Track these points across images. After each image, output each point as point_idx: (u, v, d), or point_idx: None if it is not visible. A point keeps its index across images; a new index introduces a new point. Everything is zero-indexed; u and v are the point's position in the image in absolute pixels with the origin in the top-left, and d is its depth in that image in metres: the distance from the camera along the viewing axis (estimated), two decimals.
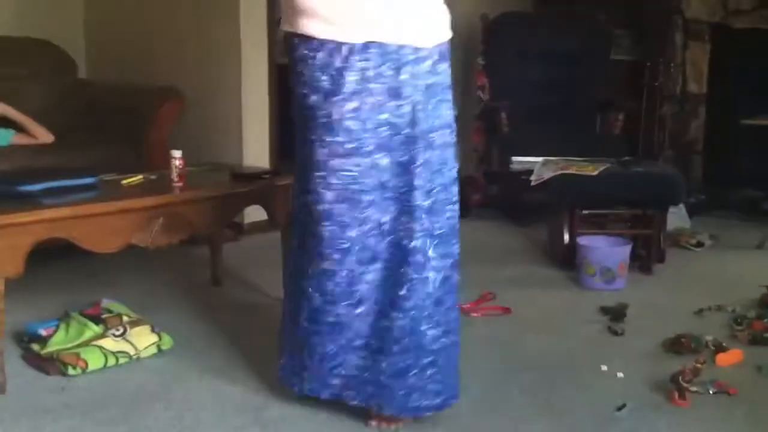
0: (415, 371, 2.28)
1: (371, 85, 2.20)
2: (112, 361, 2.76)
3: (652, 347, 3.03)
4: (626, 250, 3.78)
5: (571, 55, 5.37)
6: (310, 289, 2.30)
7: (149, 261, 3.91)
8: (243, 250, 4.23)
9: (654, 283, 3.87)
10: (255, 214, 4.15)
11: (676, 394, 2.56)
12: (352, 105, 2.19)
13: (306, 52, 2.21)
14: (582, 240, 3.85)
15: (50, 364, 2.73)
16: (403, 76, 2.23)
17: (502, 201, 5.30)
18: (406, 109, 2.24)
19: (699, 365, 2.63)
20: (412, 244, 2.25)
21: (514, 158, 4.86)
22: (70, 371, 2.68)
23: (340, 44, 2.18)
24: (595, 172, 3.93)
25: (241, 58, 4.48)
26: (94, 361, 2.73)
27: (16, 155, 3.80)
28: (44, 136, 4.12)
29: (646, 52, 5.66)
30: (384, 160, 2.23)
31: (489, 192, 5.46)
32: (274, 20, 4.48)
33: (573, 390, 2.65)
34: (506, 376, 2.74)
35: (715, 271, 4.10)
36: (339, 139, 2.20)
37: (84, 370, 2.70)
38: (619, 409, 2.49)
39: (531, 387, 2.66)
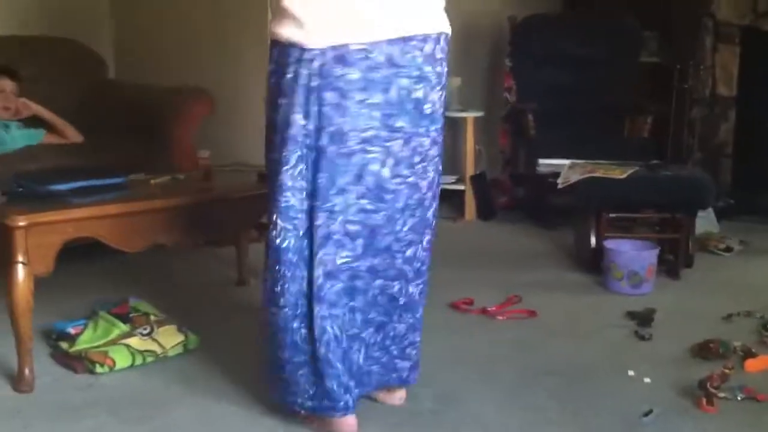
0: None
1: None
2: (139, 359, 2.78)
3: (680, 352, 3.00)
4: (654, 254, 3.75)
5: (599, 58, 5.34)
6: None
7: (176, 261, 3.94)
8: None
9: (682, 287, 3.84)
10: None
11: (704, 400, 2.53)
12: None
13: None
14: (609, 243, 3.83)
15: (78, 363, 2.75)
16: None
17: (528, 204, 5.28)
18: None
19: (727, 371, 2.61)
20: None
21: (541, 161, 4.83)
22: (98, 369, 2.70)
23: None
24: (623, 176, 3.91)
25: (267, 57, 4.48)
26: (121, 359, 2.75)
27: (46, 155, 3.84)
28: (74, 136, 4.16)
29: (675, 54, 5.61)
30: None
31: (515, 194, 5.45)
32: None
33: (599, 395, 2.63)
34: (532, 380, 2.73)
35: (744, 277, 4.06)
36: None
37: (111, 369, 2.72)
38: (646, 414, 2.47)
39: (557, 391, 2.65)
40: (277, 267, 2.23)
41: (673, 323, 3.30)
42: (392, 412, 2.47)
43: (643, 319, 3.30)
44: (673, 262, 3.99)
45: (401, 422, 2.41)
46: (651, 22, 5.56)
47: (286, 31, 2.20)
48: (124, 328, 2.89)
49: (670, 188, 3.96)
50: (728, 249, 4.45)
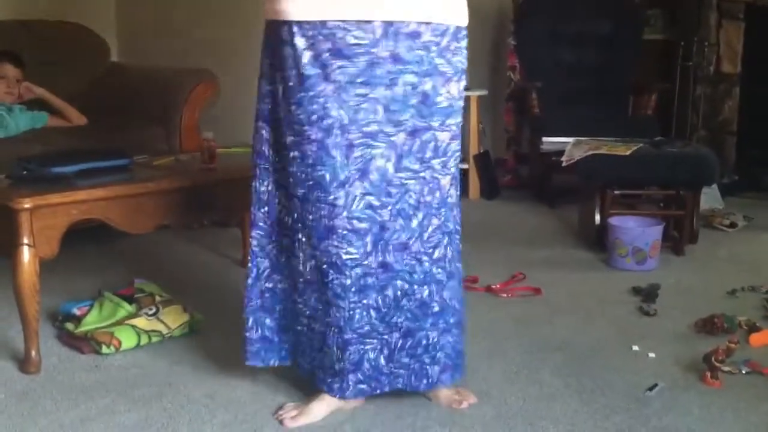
0: None
1: None
2: (145, 340, 2.80)
3: (684, 328, 3.01)
4: (658, 230, 3.75)
5: (603, 36, 5.32)
6: None
7: (181, 242, 3.95)
8: None
9: (686, 263, 3.85)
10: None
11: (709, 375, 2.54)
12: None
13: None
14: (614, 220, 3.83)
15: (84, 343, 2.77)
16: (280, 53, 2.22)
17: (532, 182, 5.29)
18: (280, 88, 2.25)
19: (732, 345, 2.61)
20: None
21: (545, 139, 4.83)
22: (104, 350, 2.72)
23: None
24: (627, 153, 3.90)
25: None
26: (127, 340, 2.76)
27: (50, 138, 3.85)
28: (78, 119, 4.17)
29: (680, 31, 5.59)
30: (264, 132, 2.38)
31: (519, 173, 5.45)
32: None
33: (604, 370, 2.64)
34: (537, 357, 2.74)
35: (748, 252, 4.06)
36: None
37: (117, 349, 2.73)
38: (651, 389, 2.48)
39: (562, 367, 2.66)
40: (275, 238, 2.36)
41: (677, 299, 3.31)
42: None
43: (648, 295, 3.30)
44: (678, 239, 3.99)
45: (403, 397, 2.41)
46: None
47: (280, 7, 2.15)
48: (129, 308, 2.91)
49: (675, 165, 3.96)
50: (732, 225, 4.45)
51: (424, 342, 2.32)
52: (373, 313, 2.26)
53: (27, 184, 2.68)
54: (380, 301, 2.26)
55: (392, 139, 2.19)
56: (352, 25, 2.10)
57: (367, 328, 2.26)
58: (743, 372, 2.60)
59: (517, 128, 5.46)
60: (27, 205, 2.49)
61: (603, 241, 3.86)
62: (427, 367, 2.34)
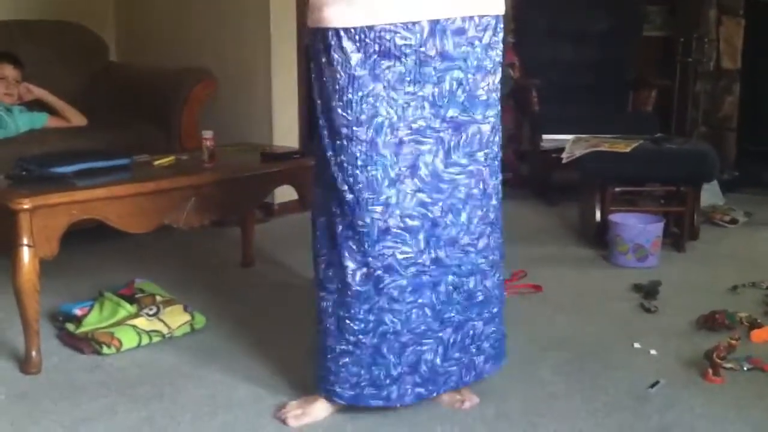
0: None
1: None
2: (145, 340, 2.79)
3: (686, 324, 3.01)
4: (659, 227, 3.74)
5: (602, 32, 5.32)
6: None
7: (181, 242, 3.95)
8: (274, 231, 4.24)
9: (687, 260, 3.84)
10: (285, 195, 4.18)
11: (710, 371, 2.54)
12: None
13: None
14: (614, 217, 3.83)
15: (85, 344, 2.76)
16: (323, 59, 2.16)
17: (532, 180, 5.28)
18: (322, 93, 2.18)
19: (733, 342, 2.61)
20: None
21: (545, 136, 4.82)
22: (105, 350, 2.71)
23: None
24: (628, 149, 3.90)
25: (271, 39, 4.48)
26: (128, 340, 2.76)
27: (50, 138, 3.84)
28: (77, 119, 4.16)
29: (679, 27, 5.59)
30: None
31: (519, 171, 5.44)
32: (303, 1, 4.47)
33: (605, 367, 2.64)
34: (538, 354, 2.74)
35: (749, 248, 4.06)
36: None
37: (118, 349, 2.73)
38: (652, 386, 2.48)
39: (563, 365, 2.66)
40: (324, 252, 2.25)
41: (678, 295, 3.30)
42: None
43: (649, 291, 3.30)
44: (679, 235, 3.99)
45: None
46: None
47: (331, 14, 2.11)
48: (130, 308, 2.90)
49: (675, 161, 3.95)
50: (733, 221, 4.45)
51: (471, 333, 2.34)
52: (428, 311, 2.26)
53: (27, 185, 2.68)
54: (434, 298, 2.26)
55: (440, 134, 2.20)
56: (400, 27, 2.10)
57: (423, 327, 2.26)
58: (745, 368, 2.60)
59: (517, 126, 5.46)
60: (27, 206, 2.49)
61: (603, 238, 3.85)
62: (474, 358, 2.36)
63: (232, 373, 2.59)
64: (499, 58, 2.25)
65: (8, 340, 2.82)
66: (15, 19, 4.48)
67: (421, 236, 2.21)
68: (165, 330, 2.84)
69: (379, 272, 2.19)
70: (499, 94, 2.30)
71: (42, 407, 2.38)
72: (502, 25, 2.25)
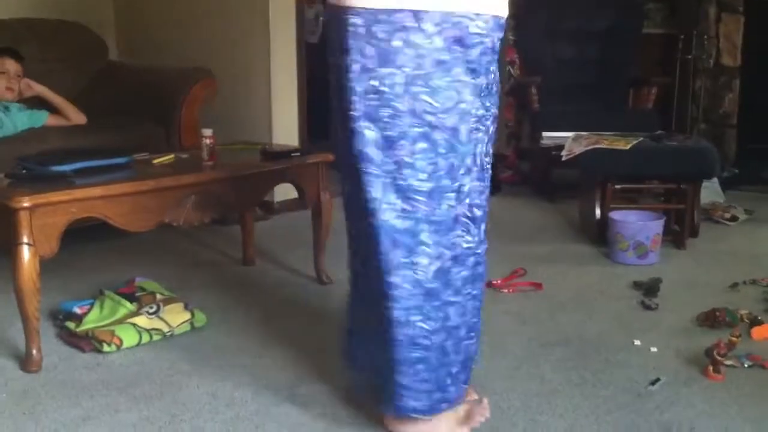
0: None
1: None
2: (146, 338, 2.79)
3: (686, 321, 3.01)
4: (659, 224, 3.74)
5: (603, 30, 5.32)
6: None
7: (181, 240, 3.95)
8: (274, 229, 4.24)
9: (687, 257, 3.84)
10: (285, 192, 4.18)
11: (711, 368, 2.54)
12: None
13: None
14: (614, 214, 3.83)
15: (85, 342, 2.76)
16: (396, 43, 2.03)
17: (533, 177, 5.28)
18: (398, 79, 2.04)
19: (734, 339, 2.61)
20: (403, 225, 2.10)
21: (545, 134, 4.82)
22: (105, 348, 2.71)
23: None
24: (627, 147, 3.90)
25: (270, 37, 4.48)
26: (128, 338, 2.76)
27: (50, 136, 3.84)
28: (77, 117, 4.15)
29: (680, 25, 5.59)
30: (369, 132, 2.07)
31: (520, 168, 5.44)
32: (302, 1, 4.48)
33: (605, 365, 2.64)
34: (538, 352, 2.74)
35: (750, 245, 4.06)
36: None
37: (118, 348, 2.73)
38: (653, 383, 2.48)
39: (563, 362, 2.66)
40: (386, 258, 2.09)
41: (679, 293, 3.30)
42: None
43: (649, 289, 3.30)
44: (679, 232, 3.99)
45: None
46: None
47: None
48: (130, 307, 2.90)
49: (675, 158, 3.95)
50: (733, 218, 4.45)
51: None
52: (477, 303, 2.23)
53: (26, 183, 2.68)
54: (479, 290, 2.23)
55: (487, 123, 2.17)
56: (473, 16, 2.06)
57: (474, 320, 2.23)
58: (745, 365, 2.60)
59: (518, 123, 5.46)
60: (26, 204, 2.49)
61: (604, 235, 3.85)
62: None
63: (232, 371, 2.59)
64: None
65: (8, 338, 2.82)
66: (16, 18, 4.49)
67: (483, 227, 2.17)
68: (165, 328, 2.84)
69: (448, 263, 2.12)
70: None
71: (42, 405, 2.38)
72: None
